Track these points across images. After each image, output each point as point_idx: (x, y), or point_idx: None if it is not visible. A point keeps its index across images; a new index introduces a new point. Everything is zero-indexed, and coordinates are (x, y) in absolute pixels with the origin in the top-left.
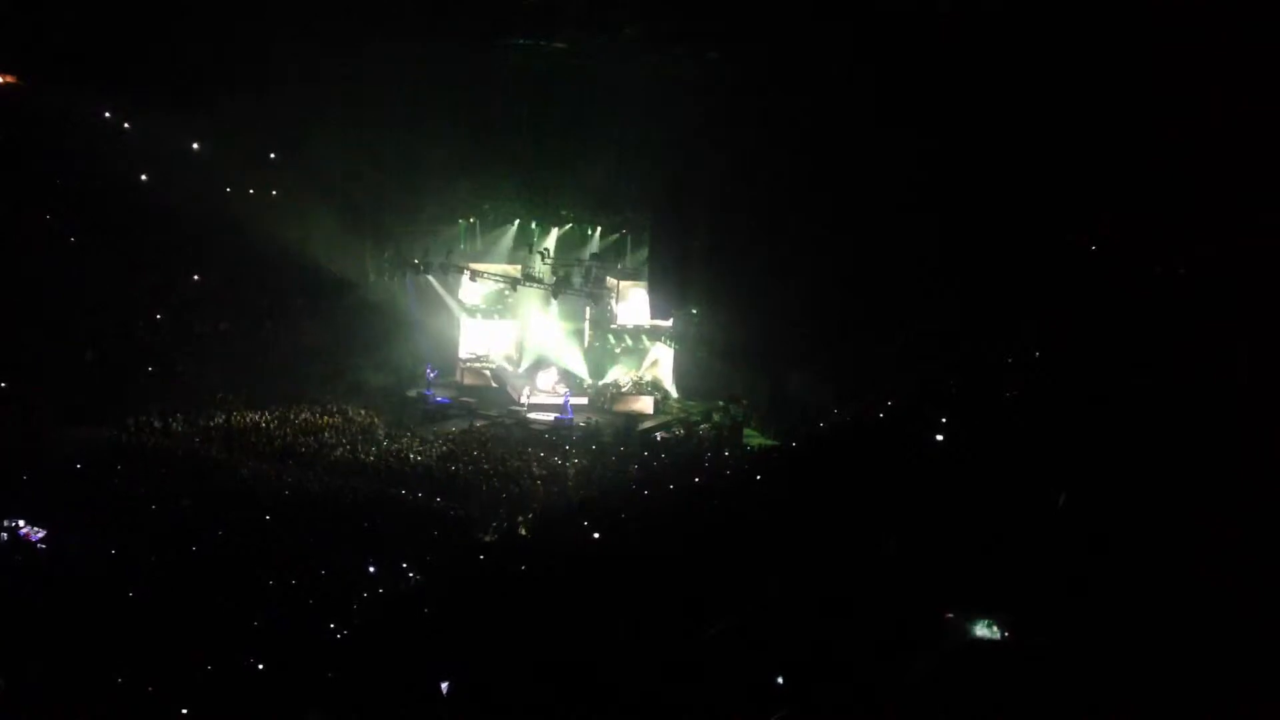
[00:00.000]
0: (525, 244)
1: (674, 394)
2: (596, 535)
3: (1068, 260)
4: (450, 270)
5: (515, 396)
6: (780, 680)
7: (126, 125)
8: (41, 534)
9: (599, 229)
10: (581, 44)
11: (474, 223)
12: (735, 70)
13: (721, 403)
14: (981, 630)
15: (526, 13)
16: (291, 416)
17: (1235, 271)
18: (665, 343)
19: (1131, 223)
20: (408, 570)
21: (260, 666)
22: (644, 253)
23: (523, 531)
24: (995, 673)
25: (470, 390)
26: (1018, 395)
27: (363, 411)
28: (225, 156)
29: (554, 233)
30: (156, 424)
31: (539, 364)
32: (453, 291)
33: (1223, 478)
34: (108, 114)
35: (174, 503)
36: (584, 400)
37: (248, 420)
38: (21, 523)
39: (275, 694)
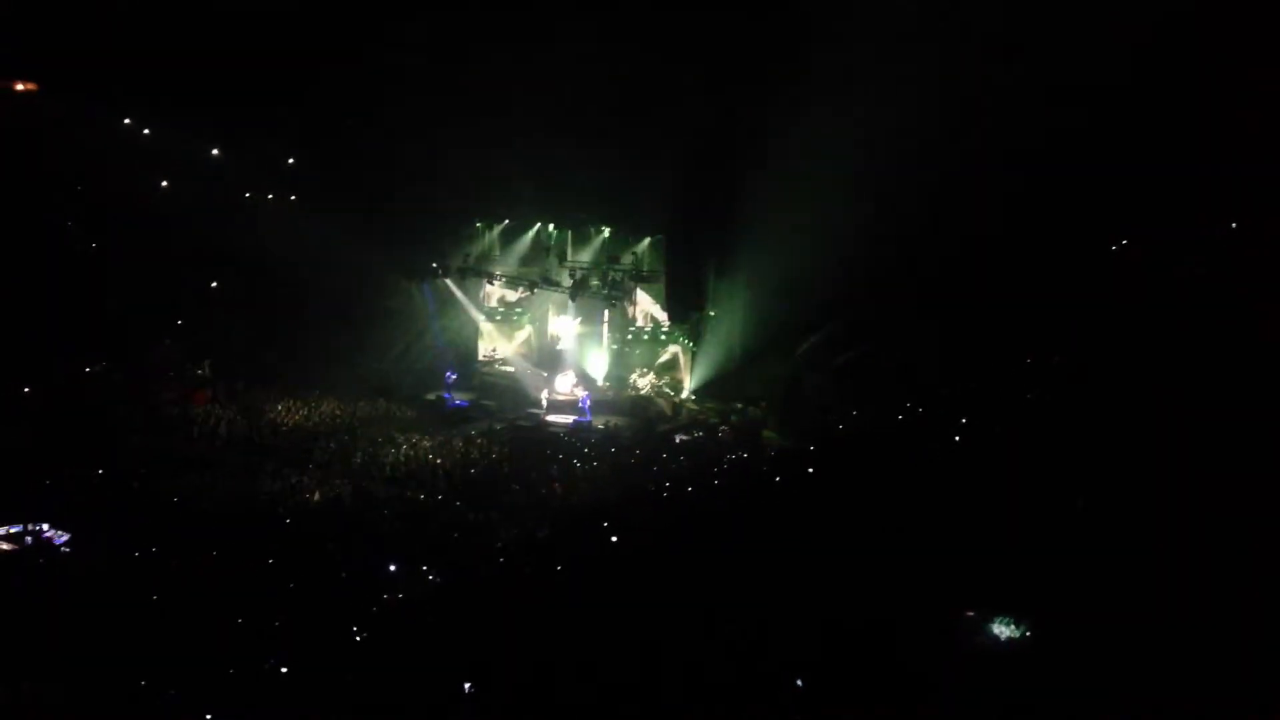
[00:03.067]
0: (543, 247)
1: (691, 396)
2: (615, 538)
3: (1087, 263)
4: (468, 274)
5: (534, 399)
6: (799, 682)
7: (146, 131)
8: (65, 537)
9: (616, 232)
10: (598, 50)
11: (491, 227)
12: (749, 74)
13: (739, 404)
14: (999, 629)
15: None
16: (312, 420)
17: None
18: (683, 345)
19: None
20: (427, 573)
21: (282, 668)
22: (661, 255)
23: (541, 534)
24: (1011, 672)
25: (489, 393)
26: (1036, 398)
27: (382, 415)
28: (244, 161)
29: (571, 236)
30: (178, 429)
31: (557, 367)
32: (471, 295)
33: (1231, 480)
34: (127, 120)
35: (195, 506)
36: (602, 402)
37: (268, 424)
38: (45, 526)
39: (297, 695)
